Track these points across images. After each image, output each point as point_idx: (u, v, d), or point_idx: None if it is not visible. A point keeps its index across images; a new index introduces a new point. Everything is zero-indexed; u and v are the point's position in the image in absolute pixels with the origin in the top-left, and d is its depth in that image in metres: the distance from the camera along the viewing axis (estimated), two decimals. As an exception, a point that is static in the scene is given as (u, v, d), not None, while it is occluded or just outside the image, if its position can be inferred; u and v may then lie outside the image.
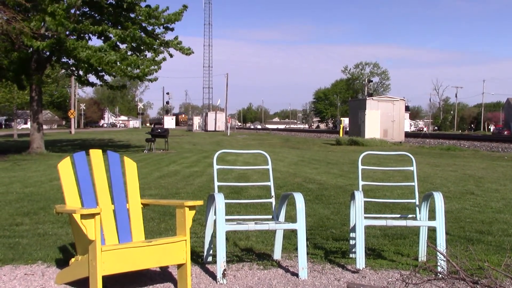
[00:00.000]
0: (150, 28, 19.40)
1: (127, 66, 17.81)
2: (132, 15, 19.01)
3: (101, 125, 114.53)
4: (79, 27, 17.04)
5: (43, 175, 11.43)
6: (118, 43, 18.17)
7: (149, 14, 18.69)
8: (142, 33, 18.93)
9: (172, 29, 19.79)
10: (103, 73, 19.41)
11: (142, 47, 18.83)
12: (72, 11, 17.98)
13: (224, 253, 3.98)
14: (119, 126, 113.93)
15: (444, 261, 3.94)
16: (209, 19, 77.91)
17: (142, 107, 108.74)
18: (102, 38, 19.41)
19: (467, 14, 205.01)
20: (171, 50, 20.10)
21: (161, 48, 19.68)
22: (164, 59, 19.92)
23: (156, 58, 19.31)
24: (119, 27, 18.46)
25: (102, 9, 18.16)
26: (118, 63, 17.60)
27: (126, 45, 18.19)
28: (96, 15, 19.18)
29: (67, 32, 17.97)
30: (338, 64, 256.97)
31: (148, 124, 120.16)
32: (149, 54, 19.63)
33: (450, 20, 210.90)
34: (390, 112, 32.84)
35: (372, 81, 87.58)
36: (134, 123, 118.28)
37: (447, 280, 3.84)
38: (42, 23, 16.97)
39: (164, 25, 19.51)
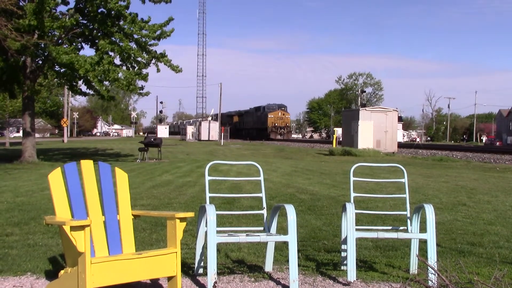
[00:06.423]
0: (143, 40, 19.28)
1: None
2: (123, 24, 18.89)
3: (94, 133, 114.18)
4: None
5: (34, 185, 11.36)
6: (109, 52, 18.12)
7: (134, 21, 18.53)
8: (133, 44, 18.84)
9: (158, 39, 19.53)
10: (93, 83, 19.28)
11: (131, 58, 18.73)
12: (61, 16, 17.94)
13: (214, 265, 3.96)
14: (112, 135, 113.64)
15: (434, 274, 3.94)
16: (203, 28, 78.42)
17: (136, 116, 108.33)
18: (94, 47, 19.38)
19: (461, 26, 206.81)
20: (161, 65, 19.94)
21: (151, 61, 19.56)
22: (146, 74, 19.56)
23: (143, 70, 19.21)
24: (112, 38, 18.41)
25: (94, 18, 18.12)
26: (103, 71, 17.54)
27: (113, 54, 18.12)
28: (89, 23, 19.11)
29: (59, 40, 17.94)
30: (332, 74, 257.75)
31: (141, 133, 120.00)
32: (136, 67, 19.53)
33: (444, 31, 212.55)
34: (383, 123, 32.96)
35: (365, 91, 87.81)
36: (128, 132, 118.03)
37: (438, 293, 3.84)
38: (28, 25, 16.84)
39: (155, 38, 19.35)
